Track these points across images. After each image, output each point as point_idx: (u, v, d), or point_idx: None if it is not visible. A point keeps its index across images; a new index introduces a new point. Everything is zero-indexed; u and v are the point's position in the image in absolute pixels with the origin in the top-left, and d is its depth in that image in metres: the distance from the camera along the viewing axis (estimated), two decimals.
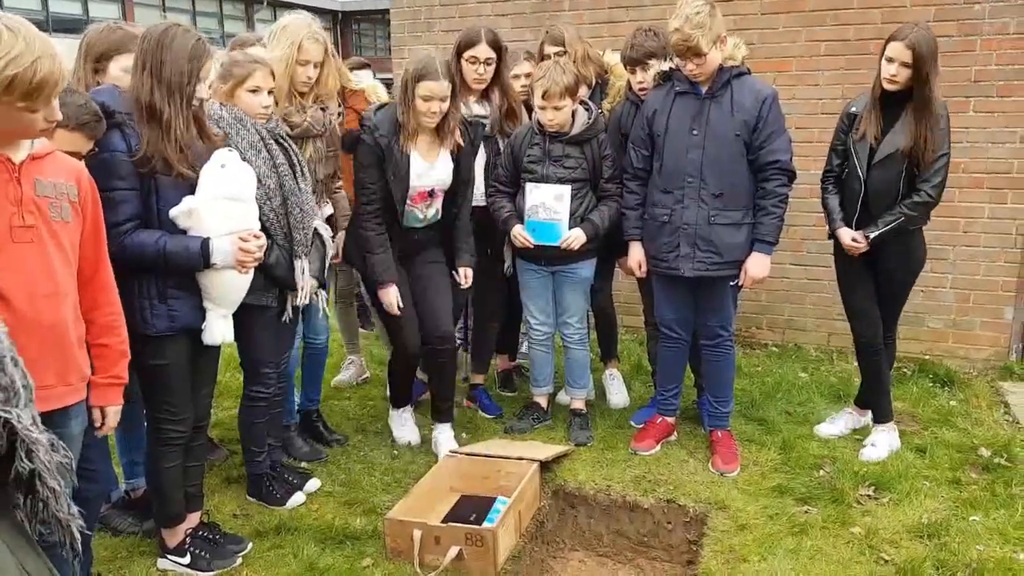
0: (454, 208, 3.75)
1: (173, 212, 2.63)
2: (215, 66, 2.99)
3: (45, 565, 1.50)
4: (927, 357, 4.89)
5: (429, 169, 3.57)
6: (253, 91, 3.03)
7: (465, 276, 3.79)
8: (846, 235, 3.56)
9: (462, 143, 3.64)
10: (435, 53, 3.49)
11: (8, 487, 1.42)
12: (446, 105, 3.45)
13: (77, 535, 1.52)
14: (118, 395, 2.38)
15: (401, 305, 3.62)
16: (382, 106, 3.64)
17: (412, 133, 3.49)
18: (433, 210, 3.69)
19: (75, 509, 1.51)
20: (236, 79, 3.01)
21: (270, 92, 3.07)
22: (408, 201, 3.58)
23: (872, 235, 3.48)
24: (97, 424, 2.38)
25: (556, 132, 3.67)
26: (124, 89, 2.67)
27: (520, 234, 3.73)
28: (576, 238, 3.68)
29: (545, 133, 3.68)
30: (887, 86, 3.39)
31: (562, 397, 4.30)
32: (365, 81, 4.38)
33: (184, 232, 2.67)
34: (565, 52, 3.88)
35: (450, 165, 3.62)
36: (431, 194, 3.63)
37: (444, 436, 3.87)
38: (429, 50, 3.52)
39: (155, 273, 2.65)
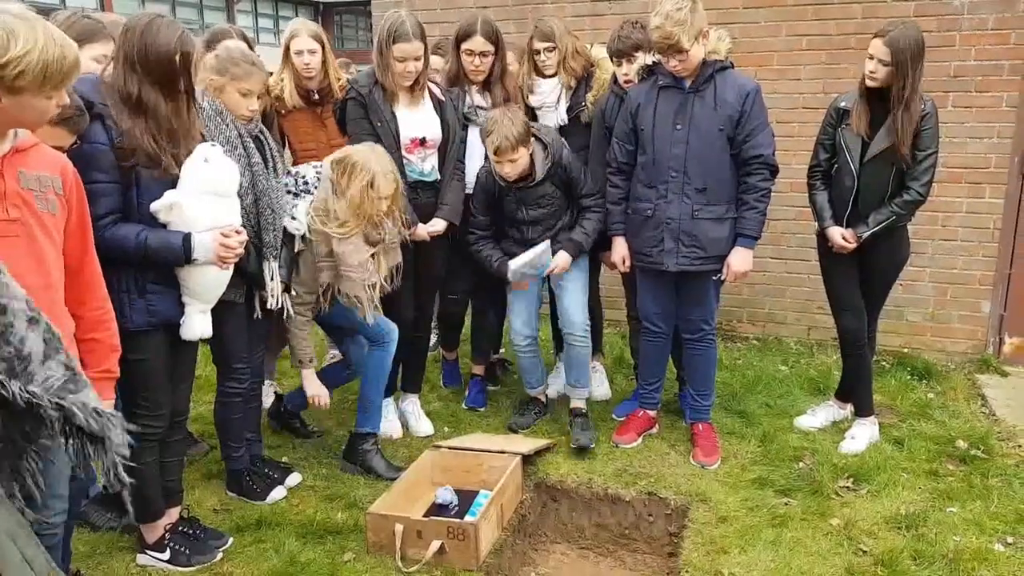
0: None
1: (154, 206, 2.60)
2: (210, 57, 2.99)
3: (41, 552, 1.52)
4: (906, 350, 4.93)
5: (414, 115, 3.61)
6: (244, 93, 3.00)
7: (433, 224, 3.72)
8: (837, 234, 3.57)
9: (442, 98, 3.71)
10: (405, 14, 3.50)
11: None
12: (421, 64, 3.54)
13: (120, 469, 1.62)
14: (110, 389, 2.36)
15: (434, 233, 3.71)
16: None
17: (391, 93, 3.57)
18: (429, 164, 3.70)
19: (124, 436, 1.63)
20: (231, 77, 2.96)
21: (259, 97, 3.05)
22: (403, 151, 3.60)
23: (864, 235, 3.50)
24: None
25: (522, 181, 3.63)
26: (104, 79, 2.63)
27: (515, 279, 3.76)
28: (561, 266, 3.71)
29: (511, 183, 3.64)
30: (868, 83, 3.40)
31: (552, 390, 4.31)
32: None
33: (165, 226, 2.64)
34: (555, 48, 3.86)
35: (435, 117, 3.68)
36: (423, 143, 3.64)
37: (412, 407, 4.11)
38: (400, 11, 3.54)
39: (134, 267, 2.61)
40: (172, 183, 2.63)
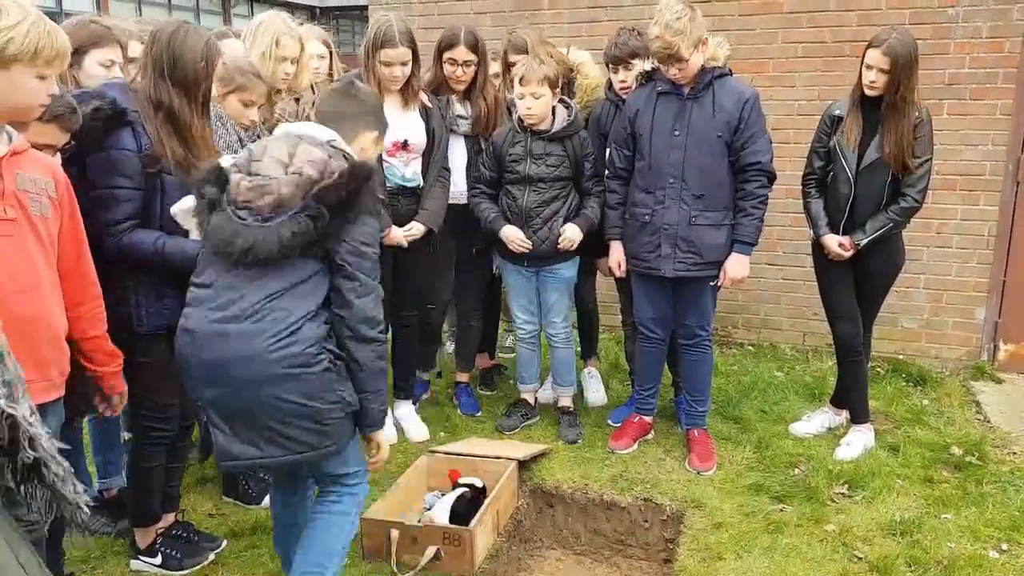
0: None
1: (174, 208, 2.61)
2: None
3: (34, 556, 1.52)
4: (900, 357, 4.94)
5: (397, 118, 3.58)
6: (247, 104, 3.01)
7: (410, 227, 3.68)
8: (833, 242, 3.57)
9: (429, 104, 3.71)
10: (394, 19, 3.51)
11: (3, 480, 1.47)
12: (407, 69, 3.54)
13: (86, 509, 1.59)
14: (122, 377, 2.46)
15: (407, 243, 3.66)
16: None
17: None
18: (411, 170, 3.69)
19: (81, 487, 1.58)
20: (235, 85, 2.98)
21: (260, 107, 3.08)
22: (384, 154, 3.58)
23: (862, 242, 3.50)
24: (114, 405, 2.48)
25: (537, 129, 3.66)
26: (132, 87, 2.65)
27: (514, 238, 3.71)
28: (570, 238, 3.69)
29: (527, 130, 3.67)
30: (868, 92, 3.41)
31: (542, 394, 4.30)
32: None
33: (184, 230, 2.64)
34: None
35: (420, 122, 3.67)
36: (405, 146, 3.62)
37: (406, 411, 4.08)
38: (389, 16, 3.54)
39: (152, 273, 2.63)
40: None
